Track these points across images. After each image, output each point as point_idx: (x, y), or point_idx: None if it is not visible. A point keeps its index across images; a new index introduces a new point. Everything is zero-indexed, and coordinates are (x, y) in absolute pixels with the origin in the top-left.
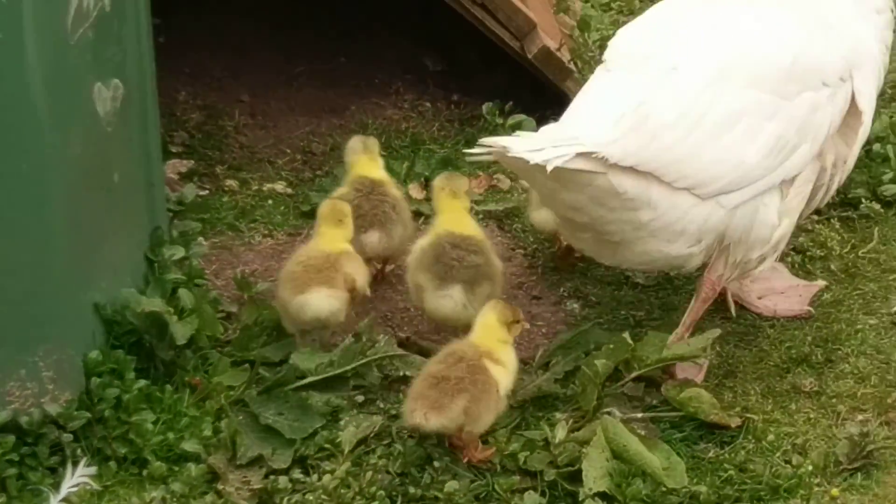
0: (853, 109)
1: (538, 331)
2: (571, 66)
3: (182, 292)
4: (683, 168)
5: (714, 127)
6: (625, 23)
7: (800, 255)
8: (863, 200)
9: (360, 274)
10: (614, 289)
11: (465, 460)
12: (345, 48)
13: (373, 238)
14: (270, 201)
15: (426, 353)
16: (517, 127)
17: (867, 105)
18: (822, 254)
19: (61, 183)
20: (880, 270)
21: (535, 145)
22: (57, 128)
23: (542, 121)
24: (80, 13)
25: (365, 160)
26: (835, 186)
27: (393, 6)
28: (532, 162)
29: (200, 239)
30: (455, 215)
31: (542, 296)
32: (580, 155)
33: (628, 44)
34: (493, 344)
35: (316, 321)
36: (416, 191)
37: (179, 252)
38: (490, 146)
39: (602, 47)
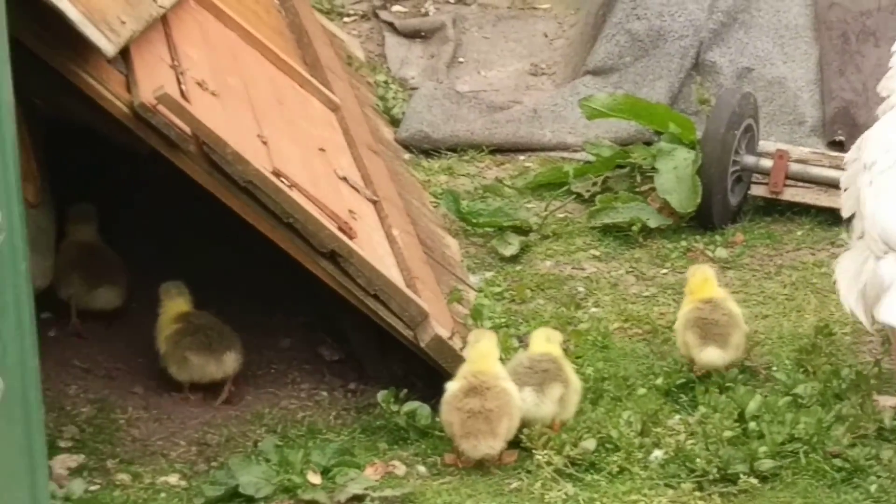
0: None
1: None
2: (464, 353)
3: None
4: None
5: None
6: (517, 311)
7: None
8: (741, 475)
9: None
10: None
11: None
12: (241, 339)
13: None
14: (163, 494)
15: None
16: (412, 414)
17: None
18: None
19: None
20: None
21: None
22: None
23: (437, 406)
24: None
25: (182, 302)
26: None
27: (288, 295)
28: None
29: None
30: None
31: None
32: None
33: None
34: None
35: None
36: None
37: None
38: None
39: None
